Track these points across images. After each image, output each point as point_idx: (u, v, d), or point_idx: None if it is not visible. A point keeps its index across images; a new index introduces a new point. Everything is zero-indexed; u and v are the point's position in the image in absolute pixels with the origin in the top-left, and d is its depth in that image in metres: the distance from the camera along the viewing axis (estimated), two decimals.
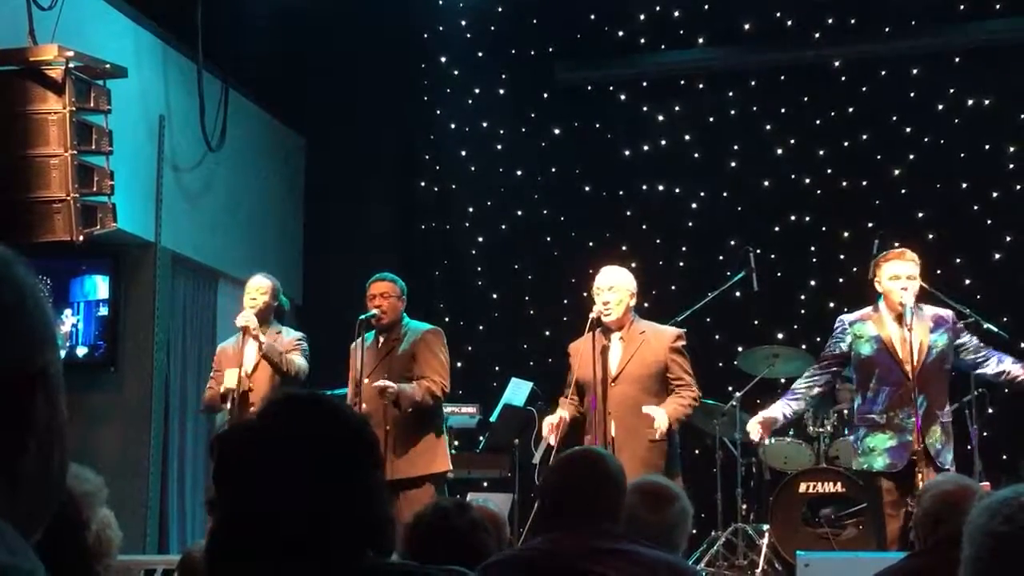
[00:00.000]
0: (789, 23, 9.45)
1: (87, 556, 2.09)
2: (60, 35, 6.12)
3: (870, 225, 8.80)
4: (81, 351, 7.81)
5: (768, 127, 9.52)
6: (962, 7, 9.18)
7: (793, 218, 9.41)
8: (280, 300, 6.74)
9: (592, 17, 9.72)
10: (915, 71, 9.26)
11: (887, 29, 9.32)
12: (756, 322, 9.13)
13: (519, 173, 9.94)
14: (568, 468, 3.17)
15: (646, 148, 9.72)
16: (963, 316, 6.27)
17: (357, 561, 1.63)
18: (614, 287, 6.05)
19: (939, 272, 7.81)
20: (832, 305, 9.09)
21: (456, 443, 7.91)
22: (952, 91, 9.16)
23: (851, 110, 9.37)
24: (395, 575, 1.72)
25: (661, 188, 9.69)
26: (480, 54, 9.86)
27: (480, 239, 9.97)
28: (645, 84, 9.84)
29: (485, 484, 7.78)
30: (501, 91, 9.92)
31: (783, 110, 9.49)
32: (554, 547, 2.92)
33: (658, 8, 9.58)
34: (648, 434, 5.79)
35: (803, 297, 9.32)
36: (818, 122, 9.40)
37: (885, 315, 5.90)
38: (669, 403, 5.90)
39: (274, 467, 1.62)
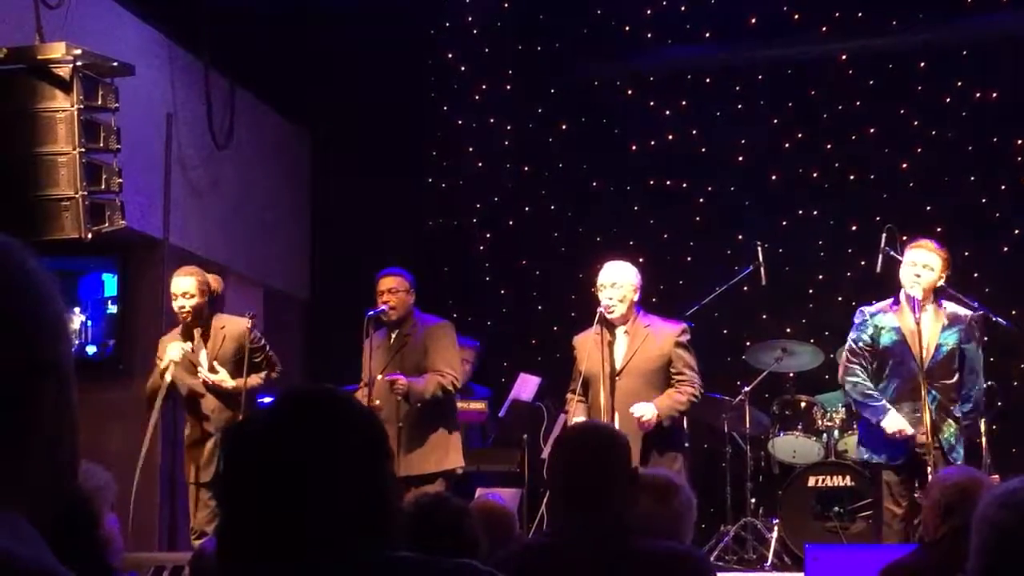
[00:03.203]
0: (796, 17, 9.42)
1: (100, 548, 2.10)
2: (67, 33, 6.13)
3: (878, 219, 8.77)
4: (90, 349, 7.83)
5: (775, 121, 9.49)
6: (969, 0, 9.15)
7: (801, 212, 9.39)
8: (210, 289, 6.46)
9: (598, 12, 9.70)
10: (922, 64, 9.24)
11: (894, 22, 9.30)
12: (764, 316, 9.13)
13: (526, 169, 9.93)
14: (578, 444, 3.04)
15: (653, 143, 9.70)
16: (973, 309, 6.25)
17: (367, 555, 1.63)
18: (616, 283, 6.06)
19: None
20: (840, 299, 9.08)
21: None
22: (959, 84, 9.14)
23: (858, 103, 9.34)
24: (407, 568, 1.72)
25: (668, 183, 9.67)
26: (487, 50, 9.85)
27: (488, 235, 9.97)
28: (652, 79, 9.82)
29: (494, 479, 7.79)
30: (508, 87, 9.92)
31: (790, 104, 9.47)
32: (562, 545, 2.87)
33: (665, 3, 9.56)
34: (643, 427, 5.84)
35: (811, 291, 9.31)
36: (825, 116, 9.37)
37: (905, 307, 5.90)
38: (663, 398, 5.95)
39: (283, 462, 1.62)
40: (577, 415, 6.06)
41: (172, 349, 6.34)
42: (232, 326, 6.51)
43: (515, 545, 3.11)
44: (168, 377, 6.26)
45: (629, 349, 6.05)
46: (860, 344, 6.04)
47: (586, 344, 6.16)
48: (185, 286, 6.37)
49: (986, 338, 6.13)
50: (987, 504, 1.90)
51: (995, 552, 1.85)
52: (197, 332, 6.45)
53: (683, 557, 2.88)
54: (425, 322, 6.62)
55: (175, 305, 6.42)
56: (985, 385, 6.29)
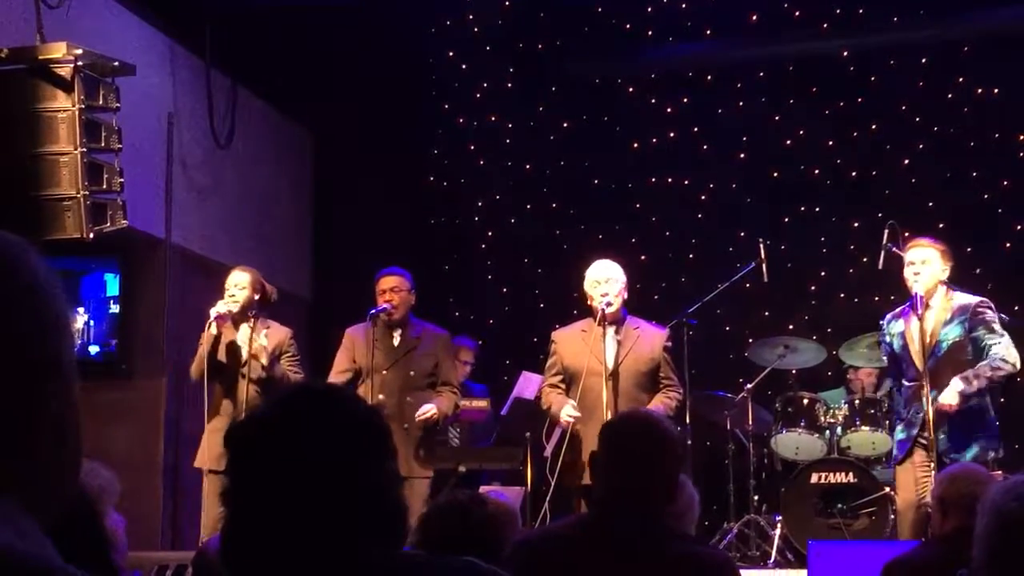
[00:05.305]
0: (796, 13, 9.42)
1: (104, 547, 2.10)
2: (68, 33, 6.13)
3: (880, 215, 8.76)
4: (93, 349, 7.83)
5: (777, 118, 9.49)
6: None
7: (803, 209, 9.39)
8: (264, 292, 6.61)
9: (599, 10, 9.70)
10: (924, 60, 9.23)
11: (895, 19, 9.29)
12: (766, 313, 9.12)
13: (528, 167, 9.93)
14: (625, 435, 2.85)
15: (655, 141, 9.70)
16: None
17: (370, 552, 1.63)
18: (611, 279, 6.09)
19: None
20: (842, 296, 9.09)
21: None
22: (961, 80, 9.13)
23: (860, 100, 9.34)
24: (410, 566, 1.72)
25: (670, 180, 9.67)
26: (487, 48, 9.84)
27: (489, 233, 9.97)
28: (653, 76, 9.82)
29: (496, 478, 7.78)
30: (509, 85, 9.91)
31: (791, 101, 9.46)
32: (593, 542, 2.73)
33: (665, 0, 9.55)
34: None
35: (813, 288, 9.30)
36: (827, 112, 9.37)
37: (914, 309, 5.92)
38: (657, 404, 5.98)
39: (286, 459, 1.62)
40: (561, 403, 6.05)
41: (216, 308, 6.40)
42: (276, 330, 6.61)
43: (530, 533, 3.10)
44: (214, 329, 6.34)
45: (621, 350, 6.05)
46: (885, 357, 6.28)
47: (570, 340, 6.19)
48: (238, 279, 6.51)
49: (982, 327, 6.07)
50: (996, 492, 1.92)
51: (999, 539, 1.85)
52: (244, 325, 6.50)
53: (720, 562, 2.78)
54: (428, 329, 6.69)
55: (226, 296, 6.50)
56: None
